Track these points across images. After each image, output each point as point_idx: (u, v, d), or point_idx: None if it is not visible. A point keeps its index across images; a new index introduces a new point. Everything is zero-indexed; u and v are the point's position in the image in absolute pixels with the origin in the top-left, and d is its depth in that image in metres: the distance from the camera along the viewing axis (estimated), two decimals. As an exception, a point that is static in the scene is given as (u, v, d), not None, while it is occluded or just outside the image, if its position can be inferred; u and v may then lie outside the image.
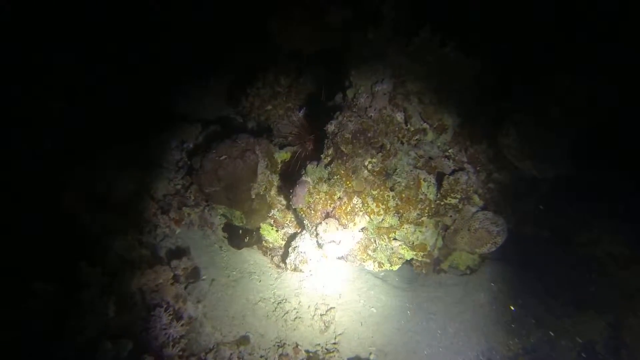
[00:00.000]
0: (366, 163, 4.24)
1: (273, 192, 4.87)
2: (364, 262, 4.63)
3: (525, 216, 4.88)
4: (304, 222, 4.54)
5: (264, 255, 5.13)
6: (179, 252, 4.52)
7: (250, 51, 5.56)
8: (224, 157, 4.18)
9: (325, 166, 4.29)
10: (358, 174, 4.16)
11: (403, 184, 4.26)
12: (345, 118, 4.08)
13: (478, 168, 4.61)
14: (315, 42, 4.40)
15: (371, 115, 4.27)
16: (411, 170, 4.33)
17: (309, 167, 4.42)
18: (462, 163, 4.61)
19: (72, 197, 4.13)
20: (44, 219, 4.08)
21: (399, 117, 4.50)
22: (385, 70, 4.27)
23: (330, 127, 4.09)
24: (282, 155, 5.19)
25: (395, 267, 4.60)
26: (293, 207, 4.51)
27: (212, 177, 4.21)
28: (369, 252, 4.57)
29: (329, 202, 4.39)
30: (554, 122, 4.10)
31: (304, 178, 4.44)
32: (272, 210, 4.85)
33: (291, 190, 4.51)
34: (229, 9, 5.24)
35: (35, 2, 4.50)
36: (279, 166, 5.16)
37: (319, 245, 4.50)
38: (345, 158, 4.10)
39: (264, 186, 4.71)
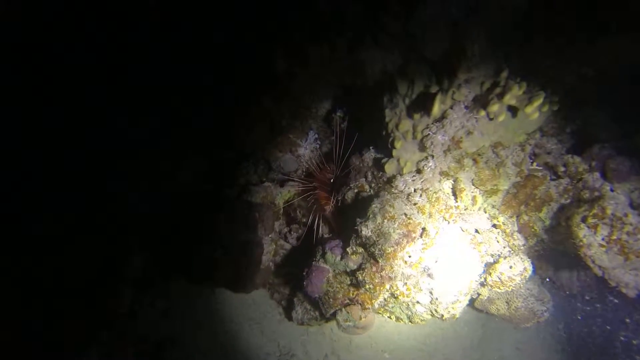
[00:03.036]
0: (405, 258, 3.35)
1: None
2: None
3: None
4: (320, 307, 3.81)
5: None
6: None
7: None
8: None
9: (352, 262, 3.37)
10: (394, 273, 3.32)
11: (444, 280, 3.48)
12: (385, 220, 3.00)
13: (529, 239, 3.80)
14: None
15: (416, 202, 3.18)
16: (454, 258, 3.50)
17: (329, 255, 3.49)
18: (512, 234, 3.76)
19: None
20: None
21: (447, 188, 3.43)
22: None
23: (365, 231, 3.03)
24: (284, 195, 4.11)
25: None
26: (307, 294, 3.71)
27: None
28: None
29: (353, 291, 3.61)
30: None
31: (322, 265, 3.54)
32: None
33: (304, 273, 3.65)
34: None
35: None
36: (281, 211, 4.12)
37: (339, 327, 3.90)
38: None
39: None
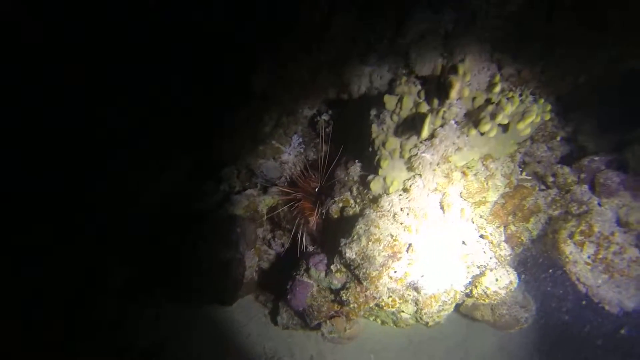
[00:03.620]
0: (390, 274, 3.30)
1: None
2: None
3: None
4: (304, 318, 3.77)
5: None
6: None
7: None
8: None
9: (336, 279, 3.30)
10: (379, 293, 3.27)
11: (430, 293, 3.45)
12: (370, 242, 2.91)
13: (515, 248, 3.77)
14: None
15: (402, 222, 3.10)
16: (440, 272, 3.45)
17: (313, 271, 3.41)
18: (498, 245, 3.71)
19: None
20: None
21: (434, 202, 3.34)
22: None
23: (349, 253, 2.95)
24: (267, 202, 3.99)
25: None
26: (291, 307, 3.66)
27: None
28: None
29: (337, 305, 3.57)
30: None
31: (305, 279, 3.46)
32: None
33: (288, 287, 3.58)
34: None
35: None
36: (265, 217, 4.01)
37: (323, 339, 3.88)
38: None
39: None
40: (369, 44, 2.75)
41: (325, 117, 3.84)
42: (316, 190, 3.63)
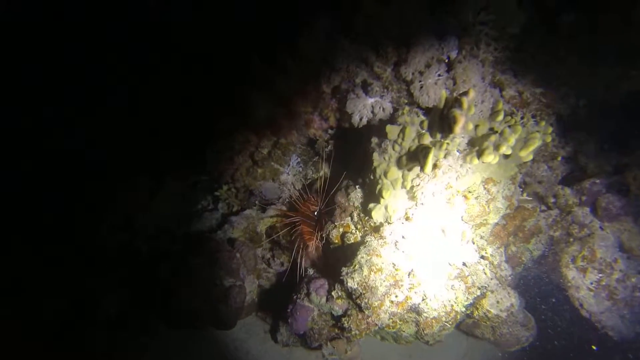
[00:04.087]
0: (391, 299, 3.27)
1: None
2: None
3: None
4: (306, 340, 3.75)
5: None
6: None
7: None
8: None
9: (337, 306, 3.27)
10: (381, 320, 3.24)
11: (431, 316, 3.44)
12: (372, 272, 2.88)
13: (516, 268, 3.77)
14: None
15: (404, 250, 3.07)
16: (441, 295, 3.44)
17: (314, 296, 3.39)
18: (499, 265, 3.71)
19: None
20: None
21: (436, 228, 3.31)
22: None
23: (351, 283, 2.92)
24: (266, 222, 3.95)
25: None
26: (292, 331, 3.63)
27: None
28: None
29: (338, 330, 3.55)
30: None
31: (306, 304, 3.44)
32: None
33: (288, 310, 3.55)
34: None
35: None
36: (264, 237, 3.97)
37: (323, 358, 3.86)
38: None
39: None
40: (372, 72, 2.69)
41: (325, 136, 3.78)
42: (315, 213, 3.59)
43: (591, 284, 2.97)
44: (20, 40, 3.83)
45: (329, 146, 3.79)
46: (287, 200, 3.88)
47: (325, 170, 3.69)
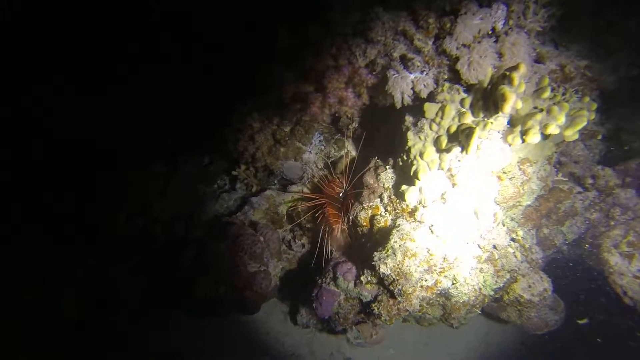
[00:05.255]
0: (422, 283, 3.16)
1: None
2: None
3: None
4: (330, 324, 3.67)
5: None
6: None
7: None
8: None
9: (366, 291, 3.17)
10: (412, 306, 3.14)
11: (461, 300, 3.33)
12: (406, 257, 2.75)
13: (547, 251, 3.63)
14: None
15: (439, 235, 2.93)
16: (472, 279, 3.32)
17: (341, 281, 3.28)
18: (530, 248, 3.57)
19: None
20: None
21: (469, 211, 3.16)
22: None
23: (383, 269, 2.79)
24: (287, 203, 3.81)
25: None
26: (317, 316, 3.55)
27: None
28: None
29: (364, 315, 3.46)
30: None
31: (332, 288, 3.34)
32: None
33: (313, 295, 3.46)
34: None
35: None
36: (285, 218, 3.84)
37: (348, 343, 3.81)
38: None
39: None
40: (412, 45, 2.47)
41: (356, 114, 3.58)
42: (340, 195, 3.44)
43: (638, 270, 2.82)
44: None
45: (354, 123, 3.60)
46: (308, 179, 3.72)
47: (349, 148, 3.51)
